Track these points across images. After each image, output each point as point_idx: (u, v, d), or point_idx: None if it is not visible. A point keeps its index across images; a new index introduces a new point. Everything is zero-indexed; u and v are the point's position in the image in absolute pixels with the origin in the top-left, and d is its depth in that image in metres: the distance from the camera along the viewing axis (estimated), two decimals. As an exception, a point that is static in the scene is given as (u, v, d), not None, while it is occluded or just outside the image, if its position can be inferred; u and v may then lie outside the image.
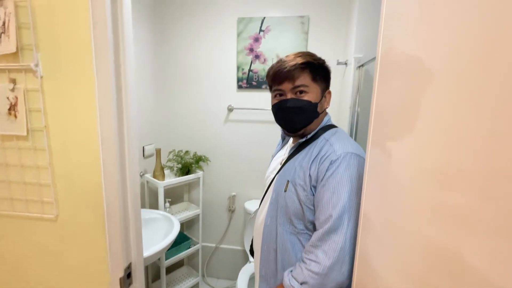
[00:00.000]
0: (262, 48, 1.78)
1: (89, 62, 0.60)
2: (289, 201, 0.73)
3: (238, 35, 1.79)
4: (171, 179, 1.75)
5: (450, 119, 0.30)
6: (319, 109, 0.76)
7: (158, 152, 1.74)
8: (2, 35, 0.61)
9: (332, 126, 0.79)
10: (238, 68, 1.83)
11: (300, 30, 1.72)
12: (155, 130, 1.91)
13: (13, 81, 0.64)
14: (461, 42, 0.29)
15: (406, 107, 0.41)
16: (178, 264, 2.06)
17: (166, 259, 1.69)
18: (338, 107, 1.77)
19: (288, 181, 0.74)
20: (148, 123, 1.83)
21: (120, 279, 0.70)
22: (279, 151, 0.95)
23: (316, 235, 0.65)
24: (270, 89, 0.81)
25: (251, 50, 1.80)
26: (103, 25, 0.58)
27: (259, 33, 1.77)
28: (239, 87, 1.86)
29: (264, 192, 0.87)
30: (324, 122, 0.79)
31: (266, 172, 0.93)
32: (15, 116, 0.65)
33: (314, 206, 0.69)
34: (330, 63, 1.76)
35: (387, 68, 0.49)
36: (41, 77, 0.62)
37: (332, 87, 1.82)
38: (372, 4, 1.45)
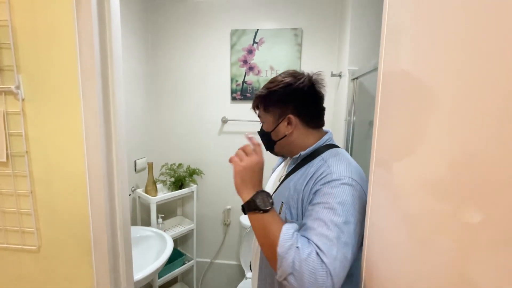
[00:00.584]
0: (256, 60, 1.77)
1: (75, 84, 0.56)
2: None
3: (232, 47, 1.78)
4: (163, 194, 1.69)
5: (450, 135, 0.30)
6: (274, 137, 0.77)
7: (150, 166, 1.69)
8: (-19, 55, 0.58)
9: (333, 146, 0.76)
10: (232, 79, 1.81)
11: (294, 42, 1.72)
12: (147, 143, 1.86)
13: (-8, 104, 0.60)
14: (462, 59, 0.29)
15: (408, 123, 0.39)
16: (172, 281, 1.98)
17: (159, 278, 1.62)
18: (333, 118, 1.77)
19: (282, 202, 0.70)
20: (140, 136, 1.79)
21: (108, 313, 0.65)
22: (279, 164, 0.93)
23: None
24: None
25: (245, 62, 1.78)
26: (90, 45, 0.55)
27: (253, 45, 1.76)
28: (233, 98, 1.84)
29: None
30: (322, 141, 0.76)
31: (266, 186, 0.90)
32: (-6, 141, 0.61)
33: None
34: (324, 74, 1.76)
35: (389, 87, 0.48)
36: (23, 99, 0.58)
37: (326, 99, 1.81)
38: (365, 18, 1.46)
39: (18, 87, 0.57)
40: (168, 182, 1.81)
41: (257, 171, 0.66)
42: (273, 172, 0.93)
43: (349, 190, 0.59)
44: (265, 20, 1.75)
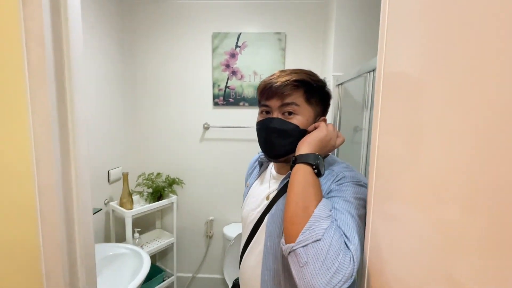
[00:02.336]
0: (238, 64, 1.71)
1: (21, 87, 0.46)
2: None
3: (213, 50, 1.71)
4: (140, 207, 1.57)
5: (447, 141, 0.30)
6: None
7: (125, 176, 1.56)
8: None
9: (326, 155, 0.70)
10: (214, 84, 1.74)
11: (278, 47, 1.68)
12: (123, 152, 1.73)
13: None
14: (458, 66, 0.28)
15: (406, 126, 0.38)
16: (150, 300, 1.84)
17: (135, 298, 1.48)
18: (318, 124, 1.74)
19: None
20: (115, 144, 1.65)
21: None
22: (255, 179, 0.80)
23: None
24: (259, 104, 0.70)
25: (228, 66, 1.72)
26: (40, 42, 0.45)
27: (236, 48, 1.70)
28: (215, 104, 1.76)
29: (247, 235, 0.71)
30: None
31: (243, 205, 0.79)
32: None
33: None
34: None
35: (388, 92, 0.43)
36: (-46, 106, 0.47)
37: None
38: (349, 25, 1.45)
39: None
40: (145, 194, 1.69)
41: (328, 150, 0.62)
42: (248, 189, 0.80)
43: (364, 191, 0.56)
44: (248, 24, 1.69)
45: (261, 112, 0.69)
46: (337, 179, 0.59)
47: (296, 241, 0.47)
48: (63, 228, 0.52)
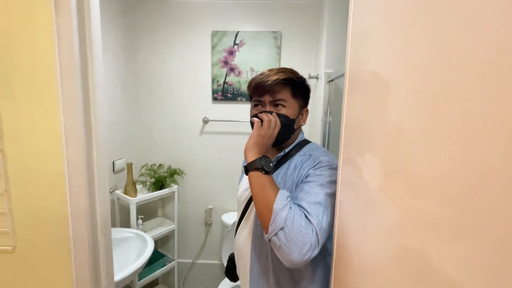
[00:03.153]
0: (236, 61, 1.80)
1: (54, 82, 0.56)
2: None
3: (213, 47, 1.80)
4: (143, 195, 1.67)
5: (412, 130, 0.33)
6: (295, 126, 0.77)
7: (129, 166, 1.66)
8: (-49, 51, 0.56)
9: (307, 142, 0.81)
10: (213, 80, 1.83)
11: (273, 45, 1.78)
12: (126, 144, 1.83)
13: (-37, 101, 0.58)
14: (421, 61, 0.32)
15: (372, 120, 0.44)
16: (153, 283, 1.95)
17: (139, 280, 1.60)
18: (311, 118, 1.84)
19: None
20: (119, 136, 1.75)
21: (89, 311, 0.65)
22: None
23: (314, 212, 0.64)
24: (250, 99, 0.82)
25: (226, 62, 1.81)
26: (69, 44, 0.55)
27: (234, 46, 1.79)
28: (214, 99, 1.86)
29: (240, 212, 0.84)
30: (300, 138, 0.81)
31: (238, 187, 0.90)
32: (-35, 140, 0.59)
33: None
34: (303, 76, 1.82)
35: (354, 85, 0.53)
36: (-3, 97, 0.58)
37: (305, 100, 1.86)
38: (339, 24, 1.55)
39: (-8, 85, 0.57)
40: (148, 183, 1.79)
41: (269, 145, 0.71)
42: (243, 174, 0.89)
43: (336, 173, 0.64)
44: (246, 23, 1.78)
45: (254, 106, 0.80)
46: (313, 164, 0.70)
47: (269, 232, 0.59)
48: (87, 199, 0.62)
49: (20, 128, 0.59)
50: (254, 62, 1.80)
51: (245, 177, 0.88)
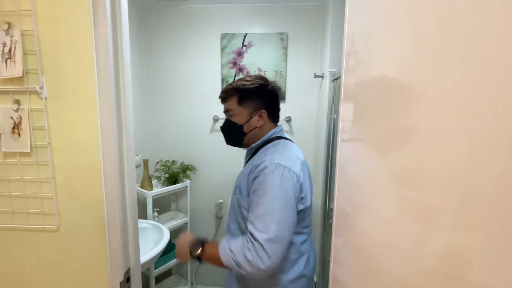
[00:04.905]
0: (245, 62, 1.89)
1: (92, 84, 0.67)
2: (235, 204, 0.87)
3: (222, 49, 1.89)
4: (159, 189, 1.79)
5: (408, 123, 0.35)
6: (246, 129, 0.88)
7: (145, 162, 1.78)
8: (8, 60, 0.67)
9: (277, 138, 0.90)
10: (222, 80, 1.93)
11: (280, 46, 1.86)
12: (142, 141, 1.95)
13: (17, 102, 0.69)
14: (415, 58, 0.34)
15: (366, 112, 0.51)
16: (167, 273, 2.07)
17: (155, 269, 1.71)
18: (317, 116, 1.91)
19: (237, 186, 0.87)
20: (136, 134, 1.86)
21: (120, 283, 0.75)
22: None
23: (252, 230, 0.73)
24: None
25: (235, 63, 1.90)
26: (105, 50, 0.65)
27: (242, 47, 1.88)
28: (224, 98, 1.95)
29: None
30: (269, 135, 0.91)
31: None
32: (19, 135, 0.70)
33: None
34: (308, 76, 1.89)
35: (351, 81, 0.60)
36: (45, 98, 0.68)
37: (310, 98, 1.95)
38: (343, 25, 1.61)
39: (41, 88, 0.67)
40: (162, 178, 1.90)
41: (185, 246, 0.83)
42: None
43: (277, 173, 0.74)
44: (253, 25, 1.87)
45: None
46: (258, 165, 0.79)
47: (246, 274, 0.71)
48: (119, 185, 0.72)
49: (64, 124, 0.69)
50: (262, 62, 1.88)
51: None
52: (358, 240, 0.52)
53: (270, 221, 0.69)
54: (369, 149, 0.49)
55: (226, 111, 0.91)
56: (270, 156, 0.79)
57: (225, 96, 0.90)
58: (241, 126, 0.88)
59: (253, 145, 0.91)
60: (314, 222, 1.99)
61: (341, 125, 0.63)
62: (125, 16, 0.70)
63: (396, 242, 0.38)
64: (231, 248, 0.73)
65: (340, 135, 0.63)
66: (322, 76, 1.76)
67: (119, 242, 0.75)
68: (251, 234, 0.70)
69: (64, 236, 0.74)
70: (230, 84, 0.89)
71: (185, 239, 0.84)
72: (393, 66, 0.41)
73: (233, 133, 0.90)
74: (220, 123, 1.99)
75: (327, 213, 1.75)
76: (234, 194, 0.88)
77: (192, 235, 0.86)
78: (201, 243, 0.80)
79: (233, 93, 0.88)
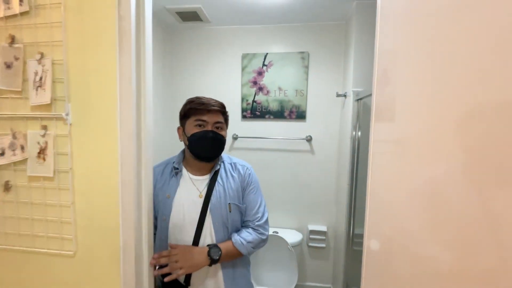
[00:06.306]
0: (265, 81, 1.89)
1: (114, 112, 0.67)
2: (236, 217, 0.93)
3: (243, 69, 1.91)
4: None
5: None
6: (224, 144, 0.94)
7: (165, 180, 1.78)
8: (39, 88, 0.69)
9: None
10: (242, 99, 1.93)
11: (301, 65, 1.84)
12: (165, 155, 1.97)
13: (45, 128, 0.71)
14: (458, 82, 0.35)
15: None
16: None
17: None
18: (339, 135, 1.84)
19: (229, 204, 0.91)
20: (158, 151, 1.90)
21: (133, 314, 0.72)
22: (176, 188, 0.92)
23: (256, 221, 0.94)
24: (185, 118, 0.93)
25: (255, 83, 1.91)
26: (128, 80, 0.66)
27: (262, 67, 1.89)
28: (244, 116, 1.94)
29: (191, 231, 0.88)
30: None
31: (164, 215, 0.89)
32: (44, 159, 0.71)
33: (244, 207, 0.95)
34: (330, 95, 1.84)
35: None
36: (70, 124, 0.69)
37: (332, 117, 1.89)
38: (368, 43, 1.57)
39: (67, 114, 0.69)
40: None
41: (194, 253, 0.85)
42: (172, 199, 0.90)
43: (253, 171, 1.03)
44: (274, 44, 1.88)
45: (195, 126, 0.90)
46: (247, 176, 0.97)
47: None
48: (136, 215, 0.70)
49: (86, 150, 0.70)
50: (282, 81, 1.87)
51: (178, 203, 0.90)
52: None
53: (264, 209, 0.98)
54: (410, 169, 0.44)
55: (215, 123, 0.90)
56: (241, 162, 1.00)
57: (217, 111, 0.91)
58: (225, 140, 0.93)
59: (225, 161, 0.99)
60: (337, 247, 1.87)
61: (373, 147, 0.58)
62: (149, 46, 0.71)
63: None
64: (248, 240, 0.91)
65: (372, 158, 0.58)
66: (345, 95, 1.70)
67: (133, 271, 0.72)
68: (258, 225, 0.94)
69: (80, 262, 0.73)
70: (215, 100, 0.92)
71: (190, 250, 0.85)
72: (427, 82, 0.37)
73: (221, 147, 0.92)
74: (240, 141, 1.98)
75: (351, 239, 1.64)
76: (230, 212, 0.91)
77: (189, 245, 0.88)
78: (216, 246, 0.87)
79: (223, 109, 0.94)
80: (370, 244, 0.61)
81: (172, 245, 0.85)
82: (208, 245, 0.87)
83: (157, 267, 0.81)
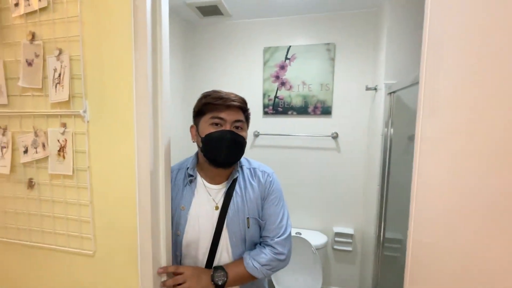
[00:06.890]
0: (287, 75, 1.81)
1: (131, 109, 0.64)
2: (255, 233, 0.82)
3: (264, 63, 1.84)
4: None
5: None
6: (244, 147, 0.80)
7: (186, 177, 1.78)
8: (58, 85, 0.68)
9: None
10: (264, 95, 1.87)
11: (327, 57, 1.73)
12: (184, 155, 1.97)
13: (64, 125, 0.70)
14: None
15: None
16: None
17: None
18: (368, 132, 1.71)
19: (248, 218, 0.80)
20: (177, 149, 1.90)
21: (151, 317, 0.69)
22: (191, 199, 0.80)
23: (276, 238, 0.80)
24: (200, 115, 0.79)
25: (277, 77, 1.83)
26: (144, 76, 0.62)
27: (285, 61, 1.80)
28: (265, 113, 1.88)
29: (206, 246, 0.79)
30: None
31: (179, 229, 0.79)
32: (64, 157, 0.70)
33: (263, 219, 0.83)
34: (358, 88, 1.73)
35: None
36: (88, 121, 0.68)
37: (360, 112, 1.78)
38: (402, 31, 1.42)
39: (85, 111, 0.67)
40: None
41: (205, 279, 0.75)
42: (187, 211, 0.80)
43: (276, 177, 0.89)
44: (297, 37, 1.78)
45: (210, 124, 0.76)
46: (269, 185, 0.84)
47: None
48: (152, 216, 0.67)
49: (103, 148, 0.68)
50: (306, 75, 1.78)
51: (193, 217, 0.79)
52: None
53: (286, 224, 0.83)
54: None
55: (235, 121, 0.75)
56: (262, 166, 0.87)
57: (239, 107, 0.76)
58: (245, 144, 0.80)
59: (245, 166, 0.86)
60: (365, 251, 1.76)
61: (420, 144, 0.49)
62: (166, 42, 0.67)
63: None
64: (262, 263, 0.78)
65: (418, 158, 0.49)
66: (375, 89, 1.57)
67: (150, 271, 0.70)
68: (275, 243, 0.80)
69: (99, 262, 0.72)
70: (235, 95, 0.77)
71: (198, 274, 0.75)
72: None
73: (240, 151, 0.78)
74: (261, 138, 1.92)
75: (381, 243, 1.53)
76: (249, 228, 0.80)
77: (197, 267, 0.78)
78: (222, 269, 0.76)
79: (245, 105, 0.79)
80: (415, 251, 0.53)
81: (179, 267, 0.75)
82: (214, 267, 0.76)
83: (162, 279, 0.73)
